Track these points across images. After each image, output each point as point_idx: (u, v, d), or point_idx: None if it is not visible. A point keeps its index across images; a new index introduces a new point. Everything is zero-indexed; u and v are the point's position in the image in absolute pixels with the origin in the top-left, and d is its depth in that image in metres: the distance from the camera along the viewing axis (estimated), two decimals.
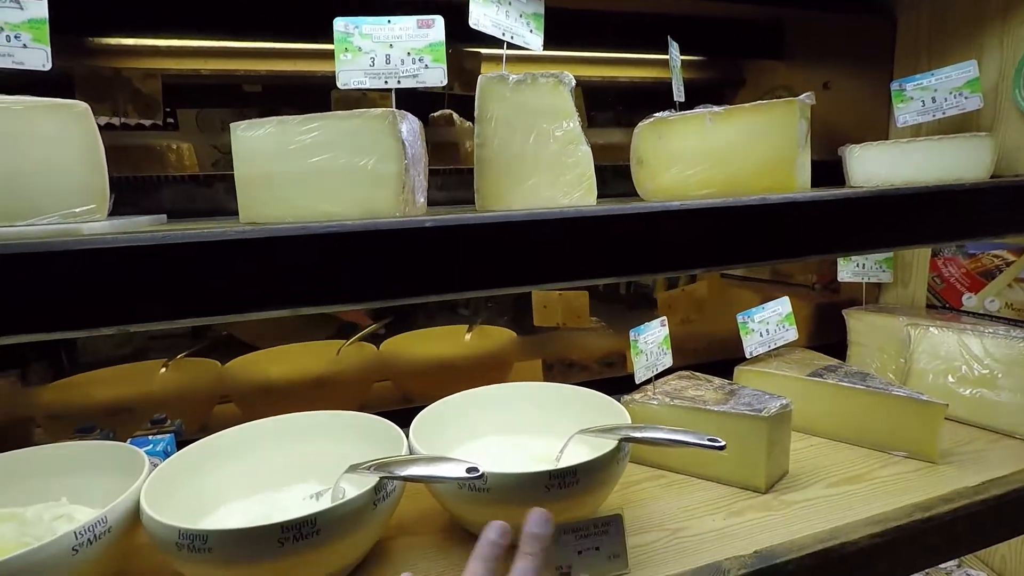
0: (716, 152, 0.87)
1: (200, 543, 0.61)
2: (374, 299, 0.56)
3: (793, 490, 0.92)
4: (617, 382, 1.13)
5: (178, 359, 1.24)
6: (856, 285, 1.42)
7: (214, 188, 1.14)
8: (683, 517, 0.85)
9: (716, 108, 0.88)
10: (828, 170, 1.10)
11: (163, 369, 1.23)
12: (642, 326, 0.99)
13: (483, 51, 1.34)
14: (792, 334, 1.17)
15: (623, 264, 0.61)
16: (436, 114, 1.30)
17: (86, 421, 1.04)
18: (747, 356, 1.14)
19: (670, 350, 1.03)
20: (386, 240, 0.54)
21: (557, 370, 1.39)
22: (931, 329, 1.17)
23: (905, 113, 1.09)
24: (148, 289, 0.49)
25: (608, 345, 1.43)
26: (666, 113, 0.91)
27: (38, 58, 0.64)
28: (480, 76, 0.82)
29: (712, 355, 1.36)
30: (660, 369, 1.01)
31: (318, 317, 1.43)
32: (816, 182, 0.94)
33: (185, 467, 0.80)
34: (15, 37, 0.63)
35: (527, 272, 0.59)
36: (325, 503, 0.81)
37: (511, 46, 0.82)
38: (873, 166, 1.07)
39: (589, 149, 0.81)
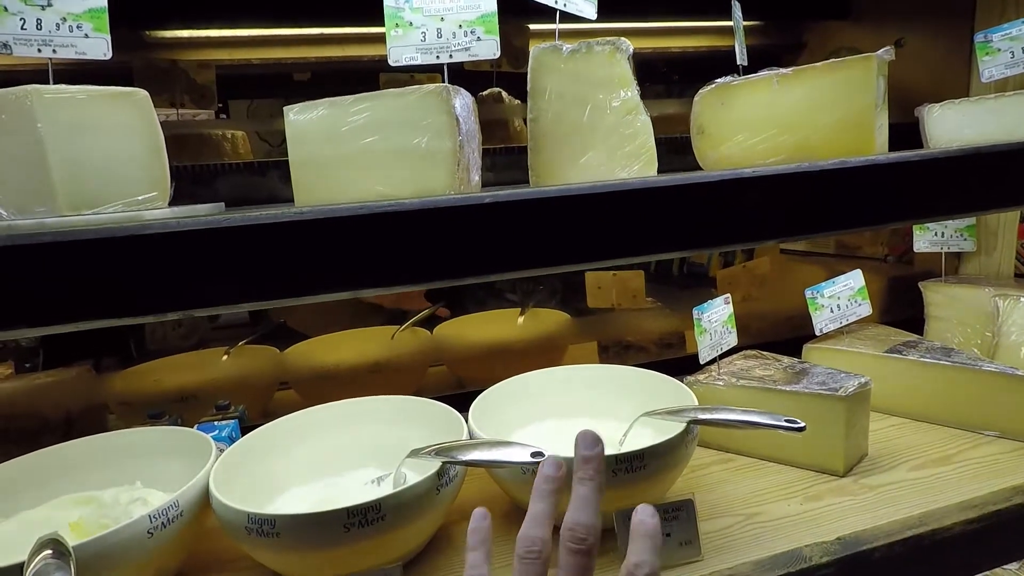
0: (784, 117, 0.82)
1: (268, 527, 0.62)
2: (435, 279, 0.54)
3: (874, 473, 0.86)
4: (677, 363, 1.09)
5: (239, 347, 1.27)
6: (932, 256, 1.32)
7: (268, 176, 1.15)
8: (757, 502, 0.81)
9: (783, 70, 0.82)
10: (903, 133, 1.02)
11: (225, 357, 1.26)
12: (705, 304, 0.94)
13: (532, 26, 1.30)
14: (865, 309, 1.10)
15: (696, 237, 0.57)
16: (485, 92, 1.28)
17: (155, 407, 1.07)
18: (817, 333, 1.08)
19: (735, 329, 0.98)
20: (445, 217, 0.52)
21: (613, 352, 1.36)
22: (1023, 299, 1.08)
23: (991, 67, 1.00)
24: (213, 273, 0.48)
25: (666, 325, 1.39)
26: (729, 78, 0.86)
27: (99, 47, 0.65)
28: (533, 48, 0.78)
29: (777, 334, 1.30)
30: (725, 348, 0.96)
31: (369, 305, 1.44)
32: (892, 146, 0.87)
33: (250, 452, 0.81)
34: (77, 27, 0.64)
35: (594, 247, 0.56)
36: (387, 488, 0.80)
37: (564, 17, 0.78)
38: (954, 126, 0.99)
39: (648, 119, 0.76)
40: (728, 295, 0.98)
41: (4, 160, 0.62)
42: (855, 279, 1.10)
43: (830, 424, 0.85)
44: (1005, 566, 1.24)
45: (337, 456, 0.88)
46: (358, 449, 0.89)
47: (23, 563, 0.54)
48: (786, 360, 1.00)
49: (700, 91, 0.87)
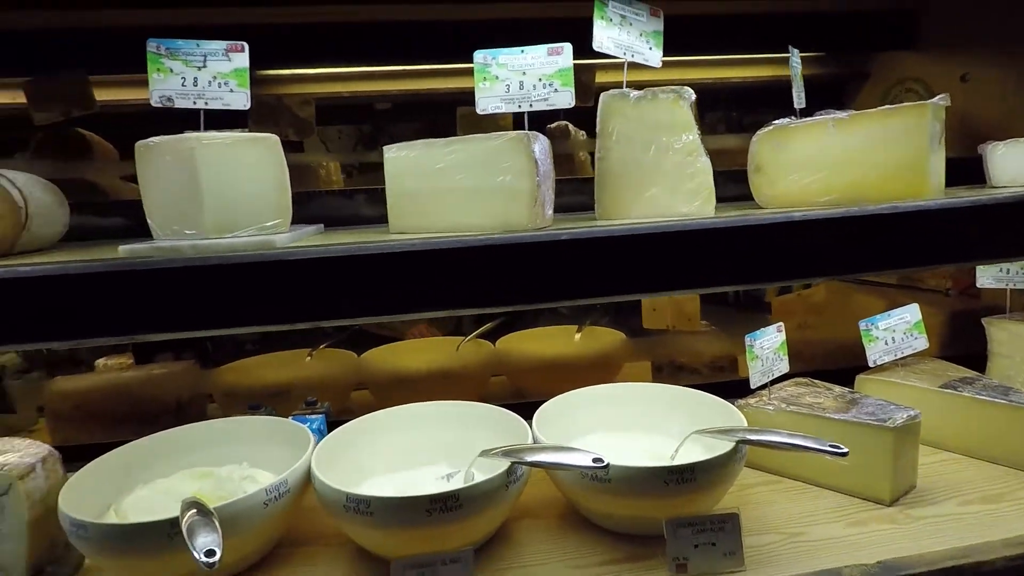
0: (839, 158, 0.87)
1: (364, 507, 0.72)
2: (519, 303, 0.63)
3: (921, 505, 0.89)
4: (728, 387, 1.14)
5: (320, 349, 1.41)
6: (998, 291, 1.32)
7: (355, 200, 1.27)
8: (800, 522, 0.86)
9: (839, 113, 0.88)
10: (966, 168, 1.04)
11: (308, 358, 1.40)
12: (758, 331, 1.00)
13: (599, 62, 1.39)
14: (921, 343, 1.12)
15: (754, 272, 0.64)
16: (552, 125, 1.37)
17: (253, 400, 1.20)
18: (870, 365, 1.11)
19: (786, 356, 1.03)
20: (528, 250, 0.61)
21: (666, 372, 1.41)
22: None
23: None
24: (341, 292, 0.59)
25: (719, 349, 1.43)
26: (786, 121, 0.92)
27: (241, 99, 0.78)
28: (603, 94, 0.87)
29: (830, 362, 1.32)
30: (776, 375, 1.01)
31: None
32: (953, 181, 0.90)
33: (340, 444, 0.92)
34: (224, 83, 0.78)
35: (658, 279, 0.64)
36: (457, 483, 0.90)
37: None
38: (1018, 165, 1.00)
39: (708, 160, 0.84)
40: (781, 323, 1.03)
41: (164, 193, 0.76)
42: (911, 313, 1.12)
43: (878, 454, 0.89)
44: None
45: (412, 452, 0.98)
46: (431, 447, 0.99)
47: (174, 518, 0.66)
48: (837, 389, 1.04)
49: (758, 132, 0.94)
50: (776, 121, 0.93)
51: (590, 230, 0.62)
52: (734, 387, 1.11)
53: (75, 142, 1.19)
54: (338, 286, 0.58)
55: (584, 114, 1.34)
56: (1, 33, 1.14)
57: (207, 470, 0.91)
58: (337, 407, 1.36)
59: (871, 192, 0.85)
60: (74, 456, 0.88)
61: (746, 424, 0.88)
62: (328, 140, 1.53)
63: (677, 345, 1.42)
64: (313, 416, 1.08)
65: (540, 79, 0.80)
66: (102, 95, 1.18)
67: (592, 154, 1.40)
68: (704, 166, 0.83)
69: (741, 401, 1.02)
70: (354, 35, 1.19)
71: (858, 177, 0.87)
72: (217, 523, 0.63)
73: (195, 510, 0.65)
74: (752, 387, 0.99)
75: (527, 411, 0.97)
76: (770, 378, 1.00)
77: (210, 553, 0.59)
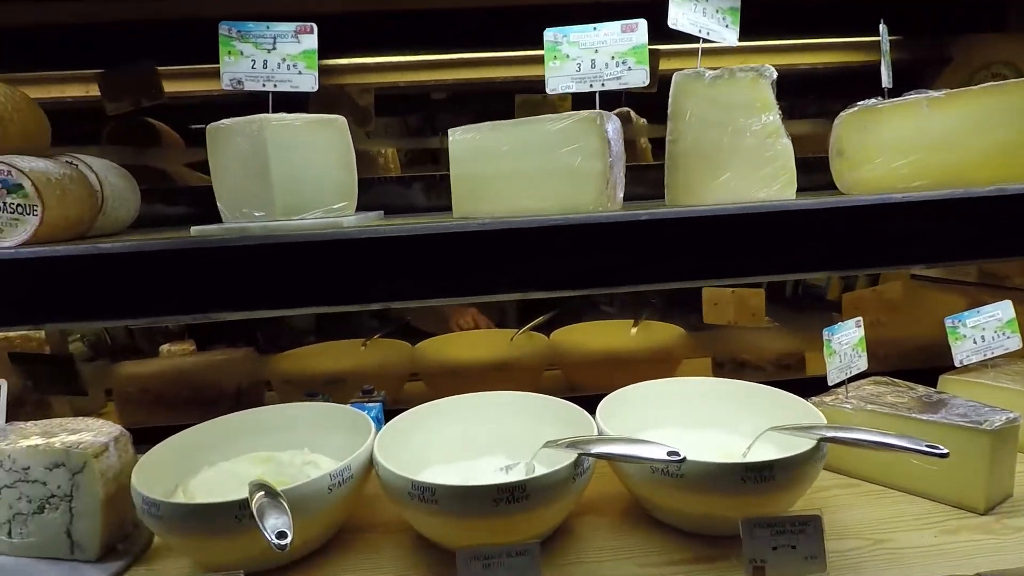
0: (934, 140, 0.81)
1: (429, 495, 0.71)
2: (594, 286, 0.60)
3: (1020, 515, 0.82)
4: (795, 385, 1.08)
5: (374, 339, 1.41)
6: None
7: (412, 188, 1.27)
8: (885, 529, 0.81)
9: (934, 92, 0.82)
10: None
11: (362, 348, 1.40)
12: (836, 325, 0.94)
13: (662, 47, 1.34)
14: (1014, 343, 1.04)
15: (856, 257, 0.60)
16: (615, 112, 1.33)
17: (310, 387, 1.21)
18: (956, 364, 1.04)
19: (865, 353, 0.97)
20: (607, 231, 0.58)
21: (728, 369, 1.36)
22: None
23: None
24: (410, 271, 0.58)
25: (785, 345, 1.37)
26: (873, 101, 0.86)
27: (308, 82, 0.78)
28: (676, 74, 0.83)
29: (905, 362, 1.25)
30: (854, 372, 0.95)
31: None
32: None
33: (400, 432, 0.91)
34: (293, 66, 0.77)
35: (751, 262, 0.60)
36: (517, 475, 0.88)
37: (693, 39, 0.82)
38: None
39: (789, 142, 0.79)
40: (860, 318, 0.97)
41: (233, 176, 0.76)
42: (1004, 310, 1.04)
43: (972, 458, 0.83)
44: None
45: (471, 443, 0.96)
46: (489, 438, 0.97)
47: (243, 499, 0.66)
48: (921, 389, 0.98)
49: (842, 114, 0.88)
50: (861, 102, 0.87)
51: (677, 210, 0.58)
52: (802, 386, 1.06)
53: (144, 131, 1.22)
54: (416, 266, 0.56)
55: (646, 101, 1.30)
56: (75, 27, 1.18)
57: (269, 454, 0.92)
58: (391, 397, 1.36)
59: (969, 176, 0.79)
60: (140, 438, 0.90)
61: (825, 422, 0.83)
62: (387, 131, 1.53)
63: (740, 341, 1.36)
64: (371, 404, 1.08)
65: (613, 57, 0.77)
66: (170, 87, 1.21)
67: (653, 142, 1.37)
68: (785, 148, 0.79)
69: (816, 399, 0.96)
70: (417, 22, 1.19)
71: (955, 160, 0.80)
72: (286, 505, 0.62)
73: (263, 492, 0.65)
74: (830, 384, 0.93)
75: (582, 406, 0.93)
76: (848, 375, 0.95)
77: (282, 535, 0.58)
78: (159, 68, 1.19)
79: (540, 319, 1.43)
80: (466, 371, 1.33)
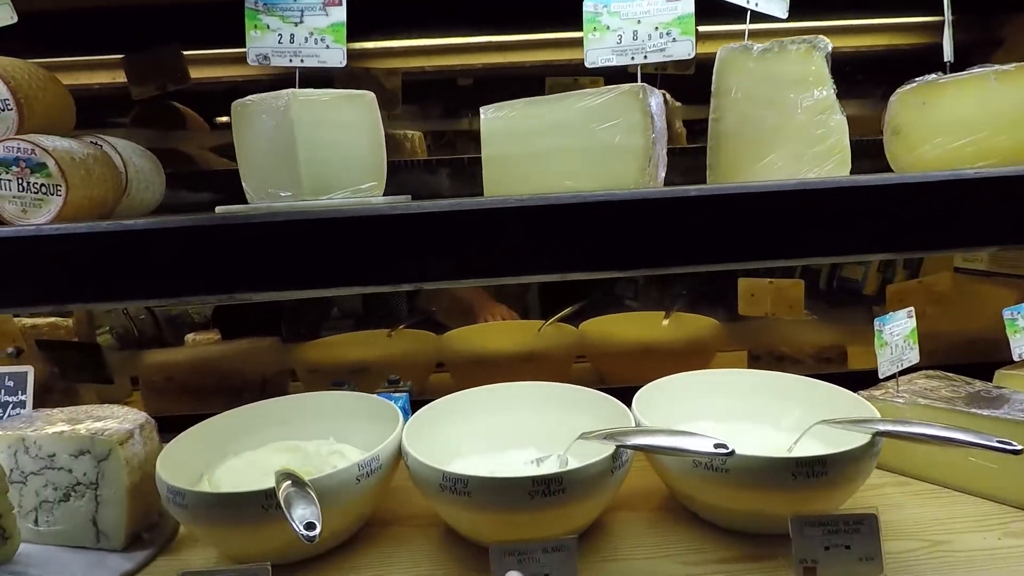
0: (1003, 118, 0.75)
1: (461, 486, 0.68)
2: (635, 267, 0.57)
3: None
4: (838, 379, 1.04)
5: (399, 329, 1.39)
6: None
7: (439, 173, 1.24)
8: (944, 530, 0.76)
9: (1003, 67, 0.76)
10: None
11: (388, 337, 1.38)
12: (887, 316, 0.89)
13: (700, 29, 1.30)
14: None
15: (917, 239, 0.55)
16: None
17: (336, 377, 1.19)
18: (1015, 359, 0.97)
19: (916, 345, 0.92)
20: (654, 208, 0.55)
21: (765, 362, 1.31)
22: None
23: None
24: (444, 250, 0.54)
25: (825, 338, 1.32)
26: (933, 76, 0.81)
27: (337, 56, 0.75)
28: (721, 48, 0.79)
29: (955, 357, 1.19)
30: (906, 365, 0.90)
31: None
32: None
33: (427, 423, 0.89)
34: (320, 39, 0.74)
35: (790, 244, 0.56)
36: (548, 468, 0.85)
37: (731, 17, 0.78)
38: None
39: (844, 118, 0.74)
40: (911, 308, 0.92)
41: (259, 154, 0.74)
42: None
43: None
44: None
45: (500, 434, 0.93)
46: (519, 429, 0.93)
47: (269, 489, 0.64)
48: (978, 384, 0.92)
49: (898, 90, 0.82)
50: (919, 78, 0.81)
51: (732, 186, 0.54)
52: (845, 380, 1.01)
53: (169, 115, 1.21)
54: (452, 245, 0.53)
55: (681, 84, 1.26)
56: (101, 11, 1.17)
57: (295, 444, 0.89)
58: (417, 387, 1.34)
59: None
60: (165, 426, 0.88)
61: (879, 416, 0.78)
62: (413, 115, 1.50)
63: (778, 333, 1.31)
64: (397, 394, 1.05)
65: (656, 28, 0.72)
66: (195, 73, 1.20)
67: (688, 125, 1.33)
68: (839, 124, 0.74)
69: (865, 392, 0.91)
70: (446, 3, 1.15)
71: None
72: (314, 495, 0.60)
73: (290, 481, 0.63)
74: (881, 377, 0.88)
75: (615, 397, 0.90)
76: (899, 368, 0.90)
77: (310, 526, 0.56)
78: (184, 53, 1.18)
79: (568, 310, 1.39)
80: (493, 362, 1.30)
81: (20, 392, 0.93)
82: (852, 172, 0.91)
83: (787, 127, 0.76)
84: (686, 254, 0.56)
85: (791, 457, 0.68)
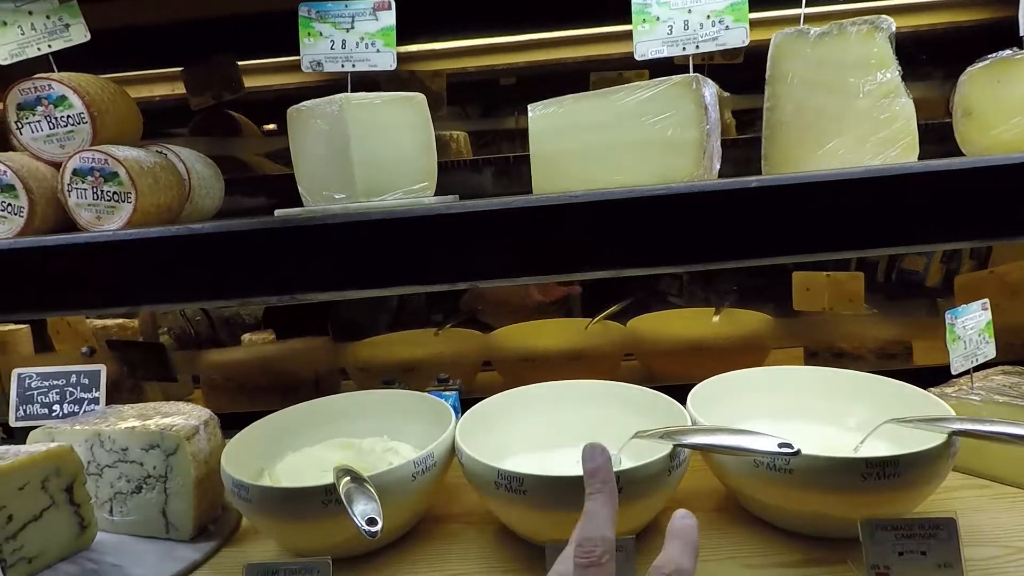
0: None
1: (516, 484, 0.68)
2: (695, 262, 0.55)
3: None
4: (903, 376, 0.99)
5: (447, 328, 1.40)
6: None
7: (484, 173, 1.24)
8: None
9: None
10: None
11: (435, 336, 1.39)
12: (960, 308, 0.84)
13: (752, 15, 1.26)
14: None
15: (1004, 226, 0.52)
16: None
17: (387, 375, 1.21)
18: None
19: (992, 339, 0.87)
20: (715, 201, 0.53)
21: (823, 359, 1.26)
22: None
23: None
24: (500, 248, 0.54)
25: (887, 333, 1.26)
26: (1008, 52, 0.76)
27: (387, 60, 0.76)
28: (775, 34, 0.76)
29: None
30: (980, 360, 0.85)
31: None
32: None
33: (479, 421, 0.89)
34: (371, 44, 0.76)
35: (859, 234, 0.54)
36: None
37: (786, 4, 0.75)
38: None
39: (911, 101, 0.71)
40: (986, 300, 0.87)
41: (314, 158, 0.76)
42: None
43: None
44: None
45: (552, 432, 0.93)
46: (571, 428, 0.92)
47: (329, 485, 0.65)
48: None
49: (969, 69, 0.78)
50: (993, 54, 0.77)
51: (795, 176, 0.52)
52: (911, 377, 0.96)
53: (225, 122, 1.25)
54: (507, 243, 0.53)
55: (728, 74, 1.22)
56: (161, 26, 1.22)
57: (349, 441, 0.91)
58: (465, 386, 1.34)
59: None
60: (224, 423, 0.91)
61: (953, 414, 0.74)
62: (453, 116, 1.51)
63: (836, 329, 1.26)
64: (447, 393, 1.06)
65: (708, 16, 0.71)
66: (249, 82, 1.24)
67: (736, 116, 1.29)
68: (905, 108, 0.70)
69: (936, 390, 0.87)
70: (489, 3, 1.16)
71: None
72: (373, 491, 0.61)
73: (349, 477, 0.64)
74: (954, 373, 0.84)
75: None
76: (973, 364, 0.85)
77: (372, 521, 0.57)
78: (239, 62, 1.22)
79: (615, 307, 1.37)
80: (540, 360, 1.30)
81: (94, 389, 0.98)
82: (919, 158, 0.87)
83: (848, 113, 0.73)
84: (748, 248, 0.54)
85: (861, 458, 0.65)
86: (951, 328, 0.83)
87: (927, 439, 0.68)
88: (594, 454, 0.50)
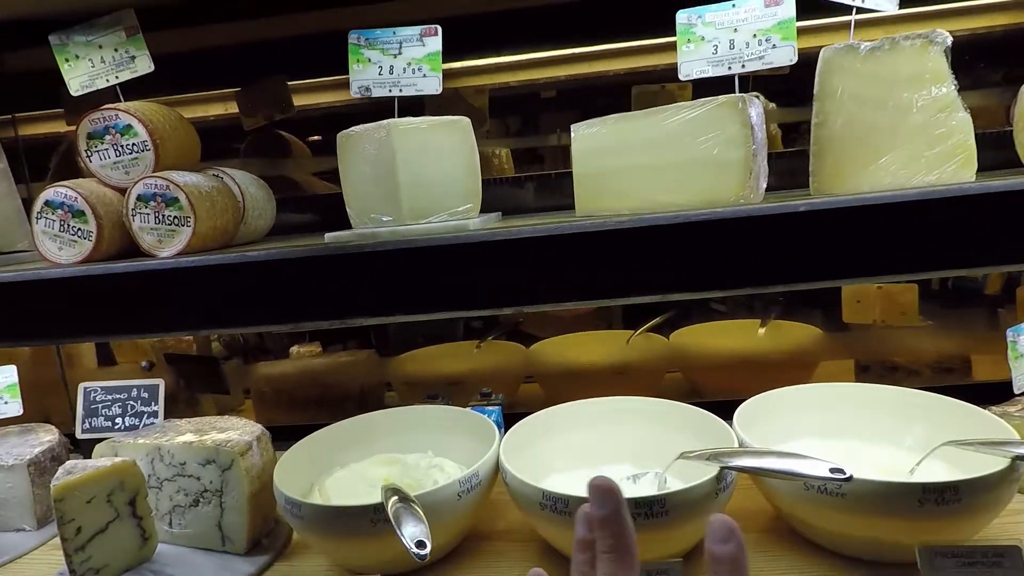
0: None
1: (561, 505, 0.68)
2: (742, 286, 0.55)
3: None
4: (961, 392, 0.95)
5: (488, 341, 1.41)
6: None
7: (526, 188, 1.25)
8: None
9: None
10: None
11: (476, 350, 1.41)
12: (1021, 325, 0.81)
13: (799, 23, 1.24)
14: None
15: None
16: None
17: (430, 389, 1.23)
18: None
19: None
20: (758, 225, 0.53)
21: (874, 373, 1.22)
22: None
23: None
24: (544, 274, 0.55)
25: (944, 347, 1.21)
26: None
27: (432, 84, 0.78)
28: (824, 49, 0.75)
29: None
30: None
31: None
32: None
33: (523, 437, 0.89)
34: (417, 69, 0.78)
35: (911, 256, 0.53)
36: (645, 485, 0.83)
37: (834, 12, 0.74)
38: None
39: (968, 116, 0.69)
40: None
41: (362, 181, 0.78)
42: None
43: None
44: None
45: (596, 449, 0.93)
46: (615, 445, 0.92)
47: (378, 504, 0.67)
48: None
49: None
50: None
51: (842, 199, 0.51)
52: (970, 393, 0.92)
53: (276, 143, 1.30)
54: (552, 268, 0.54)
55: (775, 84, 1.20)
56: (215, 49, 1.27)
57: (395, 457, 0.93)
58: (507, 399, 1.35)
59: None
60: (274, 435, 0.94)
61: (1017, 436, 0.71)
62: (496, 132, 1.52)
63: (889, 342, 1.22)
64: (490, 408, 1.07)
65: (755, 35, 0.70)
66: (298, 101, 1.28)
67: (783, 128, 1.27)
68: (962, 123, 0.68)
69: (996, 408, 0.83)
70: (532, 19, 1.17)
71: None
72: (421, 512, 0.62)
73: (397, 497, 0.65)
74: (1016, 392, 0.80)
75: (707, 411, 0.87)
76: None
77: (421, 544, 0.58)
78: (289, 83, 1.26)
79: (657, 319, 1.36)
80: (583, 373, 1.30)
81: (153, 403, 1.02)
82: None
83: (901, 128, 0.71)
84: (797, 272, 0.54)
85: (918, 483, 0.63)
86: (1013, 345, 0.80)
87: (988, 462, 0.66)
88: (603, 498, 0.40)
